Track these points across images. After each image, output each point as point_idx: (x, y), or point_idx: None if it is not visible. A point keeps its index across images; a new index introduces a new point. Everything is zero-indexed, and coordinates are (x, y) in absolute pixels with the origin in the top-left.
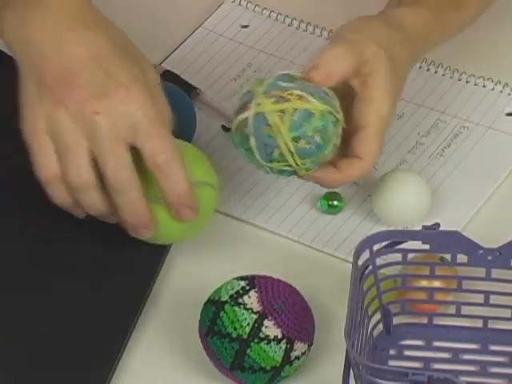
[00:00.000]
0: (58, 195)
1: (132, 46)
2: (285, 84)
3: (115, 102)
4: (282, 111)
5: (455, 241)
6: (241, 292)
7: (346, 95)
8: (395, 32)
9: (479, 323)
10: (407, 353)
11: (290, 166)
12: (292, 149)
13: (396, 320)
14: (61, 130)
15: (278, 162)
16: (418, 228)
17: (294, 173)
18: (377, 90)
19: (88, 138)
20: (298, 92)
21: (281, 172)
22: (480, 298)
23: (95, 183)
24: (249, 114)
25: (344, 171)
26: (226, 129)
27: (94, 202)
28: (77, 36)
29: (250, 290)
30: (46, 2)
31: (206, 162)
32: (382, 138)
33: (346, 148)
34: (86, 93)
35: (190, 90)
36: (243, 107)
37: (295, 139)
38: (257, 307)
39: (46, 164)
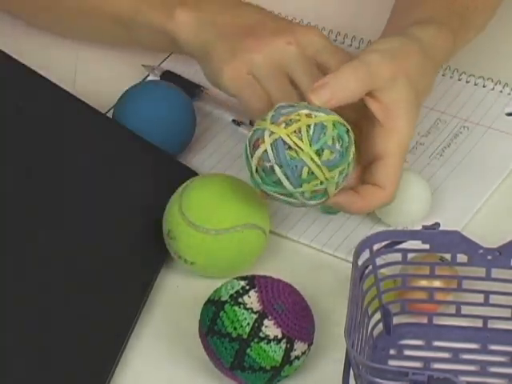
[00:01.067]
0: None
1: None
2: (288, 109)
3: (300, 34)
4: (297, 131)
5: (455, 241)
6: (241, 292)
7: (364, 119)
8: (424, 59)
9: (479, 323)
10: (407, 352)
11: (321, 183)
12: (319, 162)
13: (396, 320)
14: (261, 66)
15: (309, 182)
16: (418, 228)
17: (325, 193)
18: (400, 121)
19: (286, 66)
20: (305, 111)
21: (313, 195)
22: (480, 298)
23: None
24: (265, 146)
25: (366, 199)
26: (236, 122)
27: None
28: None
29: (250, 289)
30: None
31: (263, 206)
32: (401, 165)
33: (365, 174)
34: (274, 32)
35: (193, 88)
36: (255, 145)
37: (318, 152)
38: (257, 307)
39: (255, 99)
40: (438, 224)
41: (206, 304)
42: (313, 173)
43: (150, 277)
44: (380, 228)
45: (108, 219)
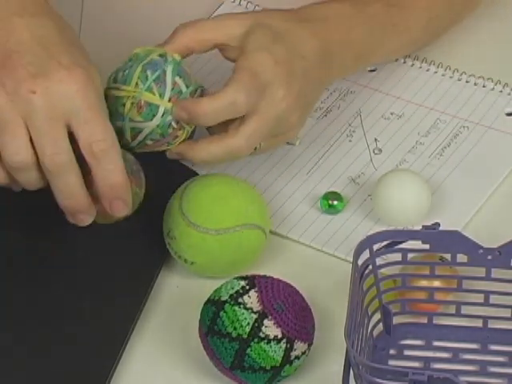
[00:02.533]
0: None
1: (78, 41)
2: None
3: (54, 82)
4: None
5: (455, 241)
6: (241, 292)
7: None
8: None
9: (479, 323)
10: (407, 352)
11: (134, 99)
12: (115, 85)
13: (396, 320)
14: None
15: (124, 106)
16: (418, 228)
17: (156, 108)
18: (248, 47)
19: (25, 118)
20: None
21: (147, 115)
22: (480, 298)
23: (32, 163)
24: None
25: (210, 98)
26: None
27: (31, 181)
28: (25, 22)
29: (249, 289)
30: None
31: (263, 206)
32: (248, 76)
33: None
34: (25, 72)
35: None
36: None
37: (114, 81)
38: (257, 307)
39: None
40: (438, 224)
41: (205, 304)
42: (119, 97)
43: (150, 277)
44: (380, 228)
45: None
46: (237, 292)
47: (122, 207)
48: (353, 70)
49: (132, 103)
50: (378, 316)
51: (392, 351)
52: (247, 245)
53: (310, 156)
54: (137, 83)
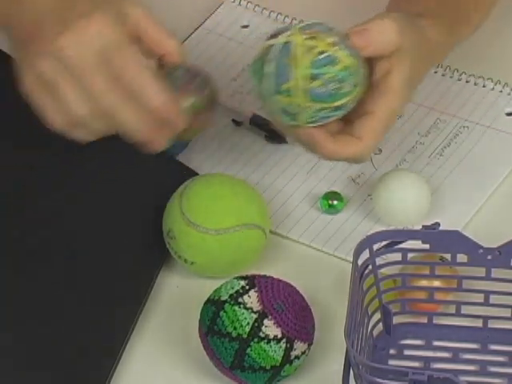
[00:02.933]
0: (79, 135)
1: None
2: (324, 28)
3: (77, 33)
4: (310, 48)
5: (455, 240)
6: (241, 291)
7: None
8: (422, 41)
9: (479, 323)
10: (407, 352)
11: (297, 105)
12: (304, 86)
13: (396, 319)
14: (47, 78)
15: (286, 96)
16: (418, 228)
17: (294, 119)
18: (396, 84)
19: (71, 74)
20: (333, 39)
21: (283, 111)
22: (480, 298)
23: (92, 109)
24: (276, 41)
25: (339, 143)
26: (236, 123)
27: (97, 129)
28: None
29: (249, 289)
30: None
31: (263, 206)
32: (385, 129)
33: (346, 129)
34: (51, 34)
35: None
36: (274, 35)
37: (312, 77)
38: (257, 307)
39: (53, 113)
40: (437, 224)
41: (205, 304)
42: (290, 90)
43: (150, 277)
44: (380, 228)
45: (108, 219)
46: (237, 292)
47: (177, 125)
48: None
49: (296, 108)
50: (377, 316)
51: (392, 351)
52: (247, 245)
53: (310, 156)
54: (315, 108)
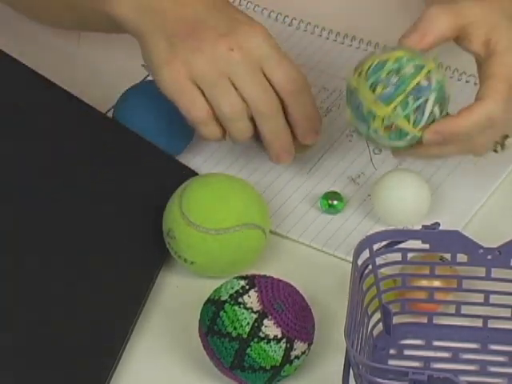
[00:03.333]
0: (211, 131)
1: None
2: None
3: (243, 37)
4: (363, 72)
5: (455, 240)
6: (241, 291)
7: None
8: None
9: (479, 323)
10: (407, 352)
11: (384, 119)
12: (373, 97)
13: (396, 319)
14: (204, 73)
15: (374, 119)
16: (418, 228)
17: (401, 131)
18: (500, 45)
19: (229, 74)
20: (386, 54)
21: (389, 134)
22: (480, 298)
23: (245, 111)
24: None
25: (465, 114)
26: None
27: (244, 129)
28: None
29: (249, 289)
30: None
31: (263, 206)
32: (507, 88)
33: None
34: (216, 35)
35: None
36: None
37: (372, 88)
38: (257, 306)
39: (196, 106)
40: (437, 224)
41: (205, 304)
42: (371, 110)
43: (150, 277)
44: (380, 227)
45: (108, 219)
46: (237, 292)
47: (314, 136)
48: None
49: (383, 120)
50: (377, 316)
51: (392, 351)
52: (247, 244)
53: (310, 156)
54: (395, 107)
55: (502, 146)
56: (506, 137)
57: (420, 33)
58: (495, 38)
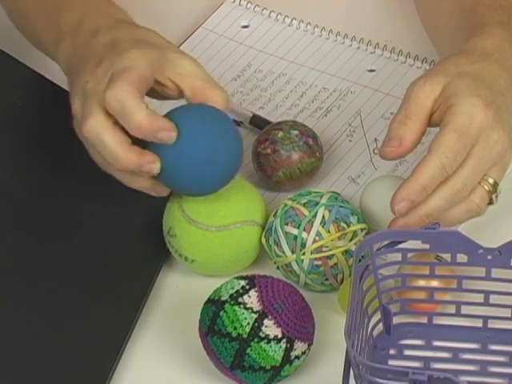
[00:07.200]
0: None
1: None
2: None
3: (97, 72)
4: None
5: (455, 240)
6: (241, 291)
7: None
8: (502, 70)
9: (479, 323)
10: (407, 352)
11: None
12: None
13: (396, 319)
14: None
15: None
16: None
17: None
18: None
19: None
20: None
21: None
22: (480, 298)
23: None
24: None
25: (418, 170)
26: (236, 123)
27: None
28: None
29: (250, 289)
30: None
31: (263, 204)
32: (460, 138)
33: None
34: (90, 67)
35: None
36: None
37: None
38: (257, 307)
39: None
40: (438, 224)
41: (206, 304)
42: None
43: (150, 277)
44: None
45: (108, 219)
46: (237, 292)
47: (166, 135)
48: None
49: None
50: (378, 316)
51: (392, 351)
52: (247, 241)
53: None
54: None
55: (496, 194)
56: (496, 184)
57: (395, 143)
58: (453, 97)
